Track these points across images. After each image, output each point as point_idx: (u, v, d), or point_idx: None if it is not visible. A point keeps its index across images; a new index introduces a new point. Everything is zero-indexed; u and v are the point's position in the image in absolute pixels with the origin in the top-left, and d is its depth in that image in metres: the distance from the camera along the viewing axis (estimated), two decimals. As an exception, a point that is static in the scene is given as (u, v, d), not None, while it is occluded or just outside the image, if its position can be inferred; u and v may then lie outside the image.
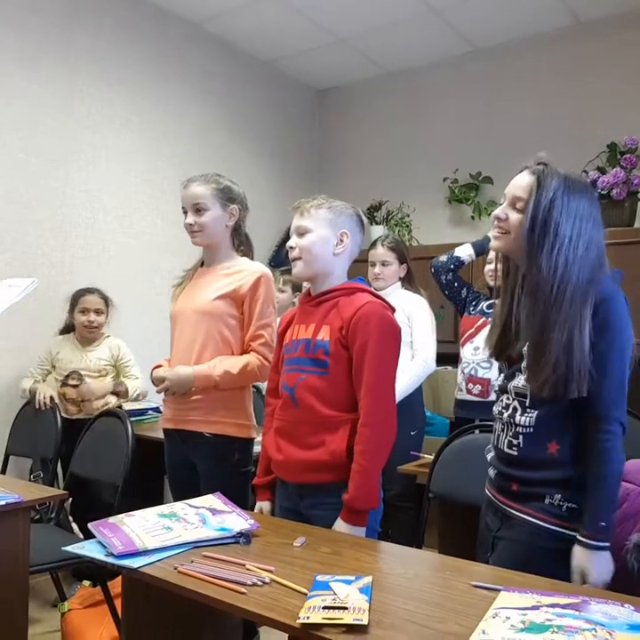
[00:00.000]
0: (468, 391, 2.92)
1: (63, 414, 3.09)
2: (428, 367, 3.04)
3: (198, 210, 2.16)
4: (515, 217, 1.48)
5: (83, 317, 3.21)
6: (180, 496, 2.08)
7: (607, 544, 1.40)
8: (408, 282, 3.20)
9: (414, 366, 3.01)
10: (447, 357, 3.87)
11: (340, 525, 1.67)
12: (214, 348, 2.15)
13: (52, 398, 3.05)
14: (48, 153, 3.49)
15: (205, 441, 2.13)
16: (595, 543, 1.39)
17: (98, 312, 3.23)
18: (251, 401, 2.24)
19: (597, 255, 1.46)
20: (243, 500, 1.91)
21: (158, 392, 2.21)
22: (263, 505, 1.89)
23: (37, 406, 3.03)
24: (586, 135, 3.91)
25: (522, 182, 1.48)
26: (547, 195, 1.43)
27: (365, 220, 1.90)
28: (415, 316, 3.05)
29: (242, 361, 2.13)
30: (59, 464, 2.98)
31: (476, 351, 2.91)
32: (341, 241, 1.80)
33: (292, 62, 4.75)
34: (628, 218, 3.66)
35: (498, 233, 1.53)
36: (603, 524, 1.39)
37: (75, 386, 3.14)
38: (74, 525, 2.84)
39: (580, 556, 1.40)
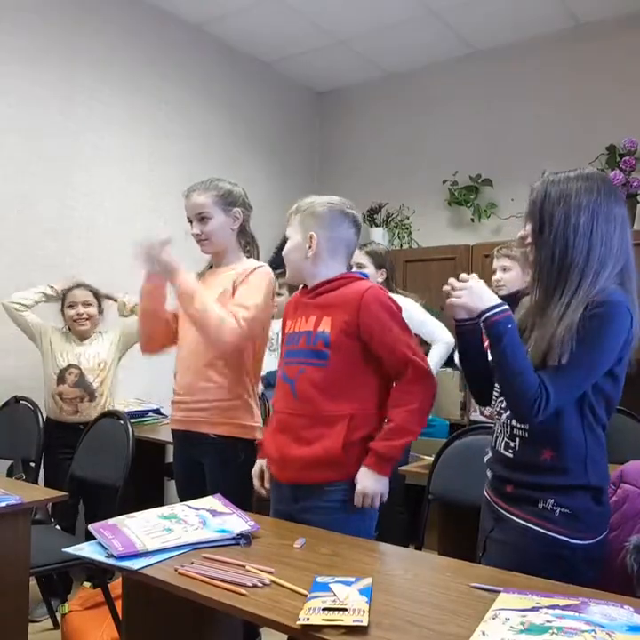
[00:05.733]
0: (481, 412, 2.86)
1: (53, 416, 3.01)
2: (450, 345, 3.17)
3: (202, 219, 2.17)
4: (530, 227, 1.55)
5: (71, 311, 3.12)
6: (186, 496, 2.09)
7: None
8: (387, 288, 3.18)
9: (439, 348, 3.15)
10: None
11: (364, 474, 1.68)
12: None
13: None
14: (49, 154, 3.50)
15: (211, 442, 2.13)
16: None
17: (85, 304, 3.13)
18: (257, 402, 2.24)
19: (609, 229, 1.44)
20: (247, 501, 1.92)
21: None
22: (263, 462, 1.91)
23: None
24: (585, 137, 3.92)
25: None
26: (538, 192, 1.50)
27: (349, 210, 1.83)
28: (412, 315, 3.03)
29: (223, 314, 2.01)
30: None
31: None
32: (311, 243, 1.79)
33: (293, 64, 4.76)
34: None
35: (528, 250, 1.55)
36: None
37: (73, 384, 3.02)
38: (57, 527, 2.82)
39: None
